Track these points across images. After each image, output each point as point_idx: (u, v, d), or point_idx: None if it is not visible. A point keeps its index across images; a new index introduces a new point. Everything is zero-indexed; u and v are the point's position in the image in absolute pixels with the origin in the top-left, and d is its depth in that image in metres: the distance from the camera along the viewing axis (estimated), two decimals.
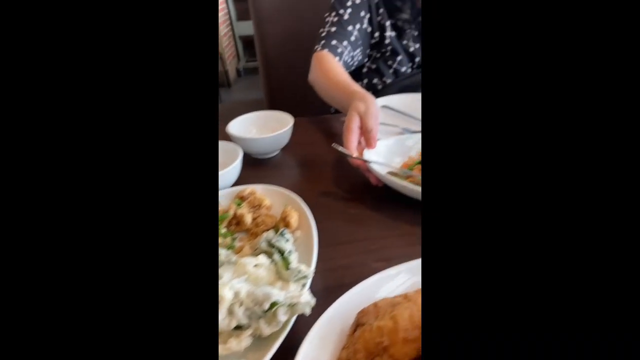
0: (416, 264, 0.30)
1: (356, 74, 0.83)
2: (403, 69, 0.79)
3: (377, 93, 0.81)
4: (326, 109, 0.82)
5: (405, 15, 0.75)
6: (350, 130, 0.47)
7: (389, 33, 0.77)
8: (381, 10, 0.76)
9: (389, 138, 0.50)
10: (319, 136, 0.68)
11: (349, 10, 0.75)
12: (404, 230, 0.41)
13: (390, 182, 0.42)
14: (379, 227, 0.41)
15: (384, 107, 0.71)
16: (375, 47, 0.79)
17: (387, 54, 0.78)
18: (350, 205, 0.46)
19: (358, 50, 0.76)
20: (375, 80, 0.81)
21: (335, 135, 0.68)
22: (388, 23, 0.76)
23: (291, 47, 1.03)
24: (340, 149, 0.46)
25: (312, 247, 0.35)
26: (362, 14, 0.75)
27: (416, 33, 0.79)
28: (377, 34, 0.78)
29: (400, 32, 0.77)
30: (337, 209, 0.45)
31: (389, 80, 0.80)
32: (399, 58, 0.78)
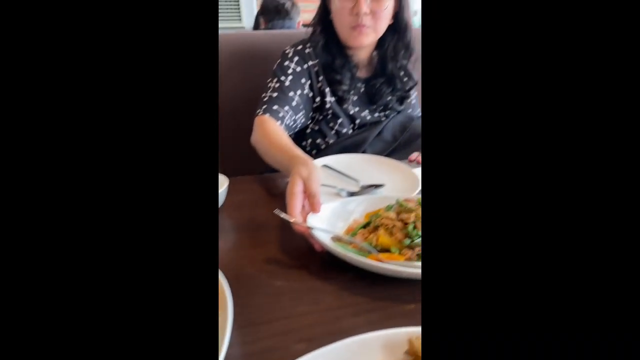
0: (336, 347, 0.27)
1: (300, 134, 0.85)
2: (344, 130, 0.83)
3: (320, 153, 0.83)
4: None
5: (345, 87, 0.81)
6: (293, 195, 0.45)
7: (329, 98, 0.81)
8: (321, 78, 0.81)
9: (332, 202, 0.49)
10: (260, 196, 0.66)
11: (290, 77, 0.78)
12: (335, 302, 0.38)
13: (332, 250, 0.41)
14: (310, 300, 0.39)
15: (324, 166, 0.72)
16: (317, 110, 0.82)
17: (329, 116, 0.82)
18: (283, 275, 0.43)
19: (300, 114, 0.79)
20: (318, 141, 0.83)
21: (276, 196, 0.66)
22: (328, 89, 0.81)
23: (237, 107, 1.02)
24: (282, 215, 0.44)
25: (224, 331, 0.30)
26: (303, 80, 0.79)
27: (355, 98, 0.85)
28: (318, 99, 0.81)
29: (340, 99, 0.82)
30: (263, 281, 0.42)
31: (331, 141, 0.83)
32: (339, 120, 0.82)
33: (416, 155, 0.79)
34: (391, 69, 0.84)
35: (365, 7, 0.72)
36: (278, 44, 0.93)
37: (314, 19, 0.85)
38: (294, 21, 1.69)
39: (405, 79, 0.85)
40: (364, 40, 0.78)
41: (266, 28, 1.65)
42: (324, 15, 0.81)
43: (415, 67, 0.88)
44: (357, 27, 0.75)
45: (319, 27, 0.82)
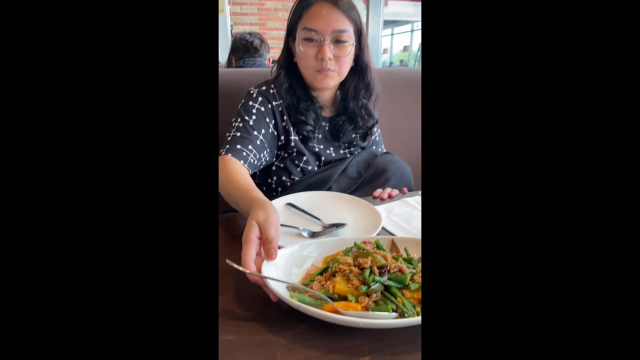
0: None
1: (266, 171, 0.84)
2: (310, 168, 0.83)
3: (286, 190, 0.82)
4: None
5: (309, 127, 0.82)
6: (248, 242, 0.44)
7: (294, 137, 0.82)
8: (285, 117, 0.81)
9: (288, 247, 0.48)
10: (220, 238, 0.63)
11: (253, 117, 0.78)
12: (288, 357, 0.36)
13: (287, 301, 0.39)
14: (262, 355, 0.36)
15: (288, 204, 0.71)
16: (283, 147, 0.82)
17: (294, 154, 0.82)
18: (235, 328, 0.40)
19: (264, 152, 0.79)
20: (284, 178, 0.83)
21: (235, 239, 0.63)
22: (292, 128, 0.81)
23: None
24: (234, 265, 0.42)
25: None
26: (267, 120, 0.80)
27: (320, 136, 0.86)
28: (282, 137, 0.82)
29: (305, 138, 0.83)
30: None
31: (297, 178, 0.82)
32: (305, 158, 0.82)
33: (380, 192, 0.80)
34: (353, 108, 0.86)
35: (329, 53, 0.75)
36: (245, 82, 0.94)
37: (277, 61, 0.87)
38: (264, 58, 1.73)
39: (367, 117, 0.88)
40: (330, 83, 0.80)
41: (237, 66, 1.68)
42: (288, 58, 0.83)
43: (375, 106, 0.91)
44: (322, 71, 0.77)
45: (282, 71, 0.83)
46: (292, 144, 0.81)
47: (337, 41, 0.75)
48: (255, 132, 0.77)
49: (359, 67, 0.83)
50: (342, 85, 0.85)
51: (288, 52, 0.83)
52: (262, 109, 0.80)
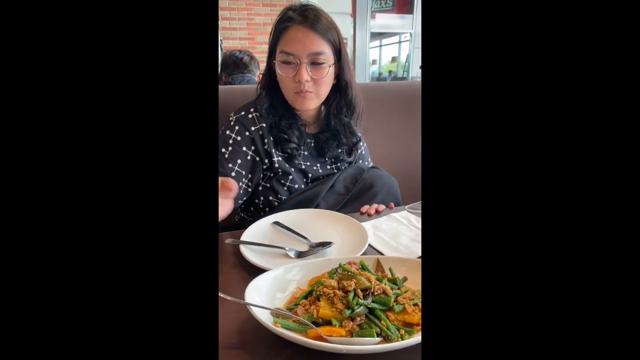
0: None
1: (253, 191, 0.84)
2: (296, 186, 0.83)
3: (273, 209, 0.82)
4: None
5: (293, 145, 0.82)
6: None
7: (276, 158, 0.82)
8: (267, 140, 0.81)
9: (270, 272, 0.47)
10: None
11: (230, 149, 0.79)
12: None
13: (270, 328, 0.38)
14: None
15: (275, 223, 0.71)
16: (268, 170, 0.82)
17: (280, 174, 0.82)
18: (219, 358, 0.40)
19: (242, 181, 0.80)
20: (270, 198, 0.82)
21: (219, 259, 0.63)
22: (274, 150, 0.82)
23: None
24: (221, 295, 0.41)
25: None
26: (245, 148, 0.80)
27: (306, 153, 0.86)
28: (266, 160, 0.82)
29: (290, 156, 0.83)
30: None
31: (284, 197, 0.82)
32: (290, 177, 0.82)
33: (367, 208, 0.80)
34: (335, 125, 0.87)
35: (306, 76, 0.76)
36: (234, 100, 0.94)
37: (260, 81, 0.88)
38: (254, 74, 1.74)
39: (349, 134, 0.88)
40: (309, 105, 0.81)
41: (227, 82, 1.69)
42: (271, 78, 0.84)
43: (359, 123, 0.92)
44: (300, 93, 0.78)
45: (264, 91, 0.84)
46: (276, 165, 0.81)
47: (314, 63, 0.76)
48: (230, 165, 0.78)
49: (340, 86, 0.84)
50: (326, 101, 0.86)
51: (270, 72, 0.83)
52: (239, 138, 0.80)
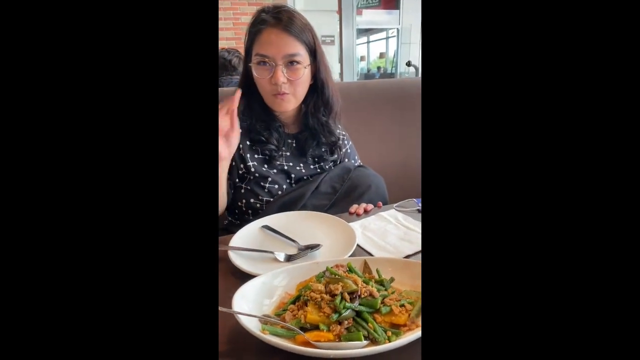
0: None
1: (235, 194, 0.83)
2: (276, 187, 0.82)
3: (257, 213, 0.82)
4: None
5: (272, 146, 0.82)
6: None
7: (251, 162, 0.81)
8: (241, 145, 0.81)
9: (257, 278, 0.47)
10: None
11: None
12: None
13: (257, 336, 0.38)
14: None
15: (264, 227, 0.71)
16: (246, 173, 0.82)
17: (257, 177, 0.82)
18: None
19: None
20: (252, 200, 0.82)
21: None
22: (248, 155, 0.81)
23: None
24: None
25: None
26: None
27: (288, 153, 0.86)
28: (242, 165, 0.81)
29: (270, 157, 0.82)
30: None
31: (265, 198, 0.82)
32: (269, 179, 0.82)
33: (356, 208, 0.81)
34: (313, 125, 0.87)
35: (282, 78, 0.76)
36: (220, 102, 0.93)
37: (239, 83, 0.87)
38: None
39: (328, 134, 0.88)
40: (287, 106, 0.81)
41: None
42: (248, 79, 0.83)
43: (337, 122, 0.92)
44: (277, 95, 0.78)
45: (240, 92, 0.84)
46: (252, 169, 0.81)
47: (290, 64, 0.77)
48: None
49: (317, 85, 0.84)
50: (304, 101, 0.86)
51: (247, 73, 0.83)
52: None
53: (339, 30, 3.17)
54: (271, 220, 0.73)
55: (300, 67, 0.77)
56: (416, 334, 0.37)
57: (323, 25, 4.15)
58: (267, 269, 0.51)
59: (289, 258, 0.60)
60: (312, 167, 0.88)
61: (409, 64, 3.17)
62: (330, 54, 4.14)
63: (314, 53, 0.81)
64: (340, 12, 3.10)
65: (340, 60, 3.24)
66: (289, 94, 0.79)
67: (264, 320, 0.42)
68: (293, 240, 0.65)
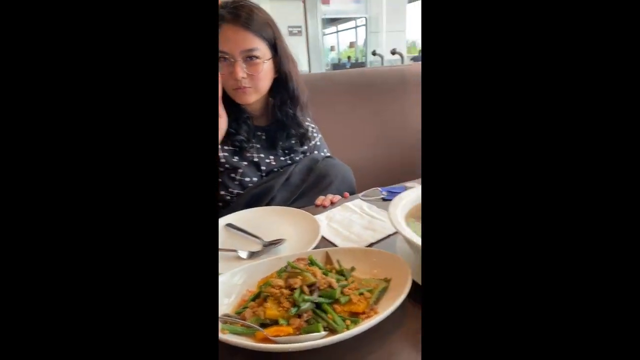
0: None
1: None
2: (248, 179, 0.82)
3: (227, 205, 0.81)
4: None
5: (241, 137, 0.81)
6: None
7: (222, 153, 0.80)
8: None
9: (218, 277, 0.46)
10: None
11: None
12: None
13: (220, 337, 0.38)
14: None
15: (228, 225, 0.70)
16: (217, 165, 0.81)
17: (228, 167, 0.81)
18: None
19: None
20: (222, 192, 0.82)
21: None
22: (219, 146, 0.80)
23: None
24: None
25: None
26: None
27: (259, 145, 0.85)
28: None
29: (240, 149, 0.82)
30: None
31: (235, 191, 0.81)
32: (240, 171, 0.81)
33: (322, 199, 0.81)
34: (281, 117, 0.87)
35: (241, 73, 0.76)
36: None
37: None
38: None
39: (296, 126, 0.89)
40: (248, 99, 0.81)
41: None
42: None
43: (305, 113, 0.92)
44: (238, 89, 0.78)
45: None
46: (222, 160, 0.81)
47: (249, 58, 0.76)
48: None
49: (280, 78, 0.84)
50: (272, 94, 0.86)
51: None
52: None
53: (303, 19, 3.14)
54: (235, 217, 0.72)
55: (260, 62, 0.77)
56: (374, 320, 0.38)
57: (290, 15, 4.09)
58: (229, 267, 0.51)
59: (252, 255, 0.59)
60: (282, 158, 0.88)
61: (374, 53, 3.20)
62: (298, 45, 4.08)
63: (275, 47, 0.80)
64: (304, 1, 3.06)
65: (307, 52, 3.21)
66: (251, 88, 0.79)
67: (224, 320, 0.41)
68: (257, 237, 0.64)
